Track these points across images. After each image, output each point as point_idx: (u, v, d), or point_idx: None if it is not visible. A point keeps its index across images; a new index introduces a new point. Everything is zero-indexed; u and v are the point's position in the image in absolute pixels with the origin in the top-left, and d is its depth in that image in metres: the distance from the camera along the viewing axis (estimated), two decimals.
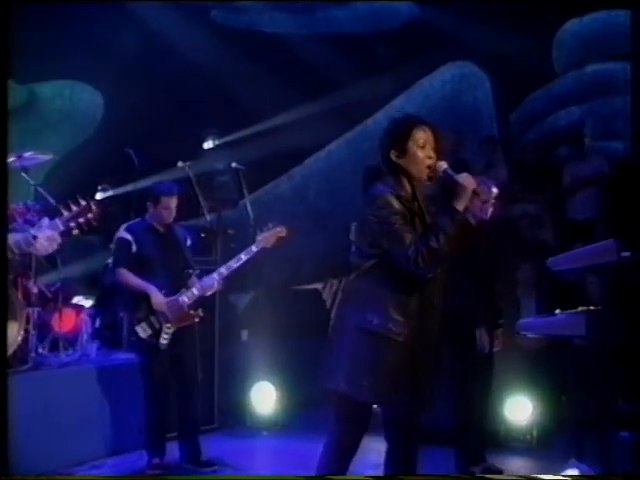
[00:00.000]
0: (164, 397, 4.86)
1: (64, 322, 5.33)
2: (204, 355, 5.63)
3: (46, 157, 5.50)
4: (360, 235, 3.15)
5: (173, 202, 4.90)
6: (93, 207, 3.11)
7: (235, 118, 8.33)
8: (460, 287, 4.47)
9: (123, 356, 5.35)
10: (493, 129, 9.11)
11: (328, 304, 7.70)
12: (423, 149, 3.09)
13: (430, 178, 3.10)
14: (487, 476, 4.32)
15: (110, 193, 8.00)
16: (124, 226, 4.91)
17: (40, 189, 5.34)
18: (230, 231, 6.97)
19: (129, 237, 4.84)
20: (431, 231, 3.01)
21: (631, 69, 7.16)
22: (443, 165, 3.08)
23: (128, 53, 8.23)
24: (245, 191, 6.70)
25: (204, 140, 8.23)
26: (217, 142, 8.28)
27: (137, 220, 4.98)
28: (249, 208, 6.62)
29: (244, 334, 6.70)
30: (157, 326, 4.76)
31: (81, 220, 3.06)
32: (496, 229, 5.57)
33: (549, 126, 9.04)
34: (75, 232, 3.15)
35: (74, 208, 3.07)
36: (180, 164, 6.32)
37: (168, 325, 4.78)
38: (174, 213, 4.93)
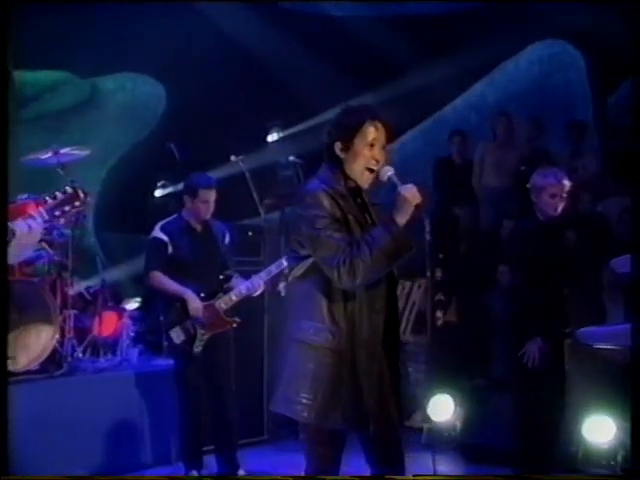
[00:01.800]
0: (200, 406, 4.84)
1: (104, 326, 5.41)
2: (251, 361, 5.69)
3: (83, 153, 5.58)
4: (292, 235, 3.00)
5: (212, 195, 4.86)
6: (81, 195, 3.09)
7: (301, 108, 8.27)
8: (518, 292, 4.38)
9: (165, 362, 5.33)
10: (588, 114, 8.64)
11: (399, 307, 7.60)
12: (371, 148, 2.95)
13: (370, 182, 2.96)
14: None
15: (170, 190, 8.23)
16: (159, 225, 4.89)
17: (77, 187, 5.42)
18: None
19: (165, 238, 4.81)
20: (364, 242, 2.84)
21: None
22: (389, 171, 2.93)
23: (191, 44, 8.31)
24: None
25: (268, 132, 8.32)
26: (281, 134, 8.33)
27: (172, 218, 4.94)
28: None
29: None
30: (192, 332, 4.75)
31: (67, 208, 3.04)
32: (572, 226, 5.28)
33: None
34: (61, 221, 3.15)
35: (59, 196, 3.06)
36: (233, 158, 6.28)
37: (202, 331, 4.77)
38: (212, 208, 4.89)
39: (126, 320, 5.58)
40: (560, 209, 4.40)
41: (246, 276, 5.06)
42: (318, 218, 2.86)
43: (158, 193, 8.25)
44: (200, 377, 4.82)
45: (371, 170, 2.93)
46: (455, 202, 7.36)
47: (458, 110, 8.97)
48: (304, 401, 2.86)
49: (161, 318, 4.86)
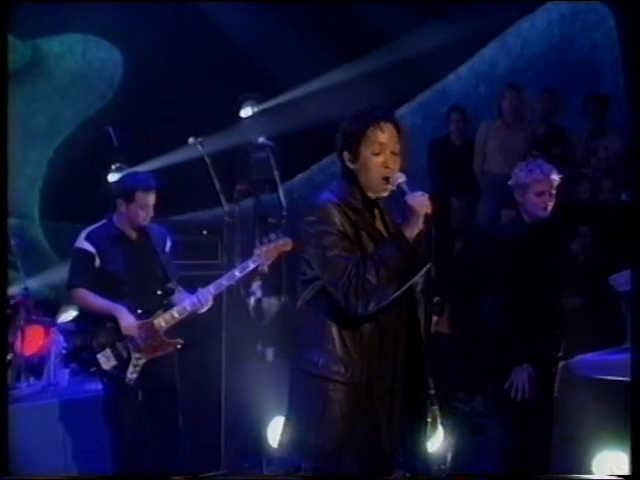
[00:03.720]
0: (138, 442, 4.71)
1: (27, 343, 5.27)
2: (206, 385, 5.55)
3: None
4: (301, 254, 3.06)
5: (152, 199, 4.75)
6: None
7: (279, 79, 8.10)
8: (501, 310, 4.27)
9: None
10: (617, 84, 8.38)
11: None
12: (378, 155, 2.98)
13: (387, 191, 3.01)
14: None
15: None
16: (84, 233, 4.74)
17: None
18: (271, 219, 6.83)
19: (91, 249, 4.69)
20: (371, 261, 2.87)
21: None
22: (399, 178, 2.97)
23: (152, 3, 8.03)
24: (276, 173, 6.48)
25: (241, 107, 8.07)
26: (256, 109, 8.13)
27: (101, 224, 4.83)
28: (281, 194, 6.44)
29: (269, 353, 6.48)
30: (124, 355, 4.63)
31: None
32: (589, 219, 5.04)
33: None
34: None
35: None
36: (191, 141, 6.05)
37: (138, 355, 4.65)
38: (152, 212, 4.78)
39: (55, 335, 5.41)
40: (549, 209, 4.32)
41: (202, 283, 4.92)
42: (326, 235, 2.91)
43: (113, 177, 8.03)
44: (137, 408, 4.70)
45: (386, 178, 2.97)
46: (452, 191, 7.19)
47: (463, 80, 8.70)
48: (313, 441, 2.91)
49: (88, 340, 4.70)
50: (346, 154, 3.01)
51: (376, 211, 3.05)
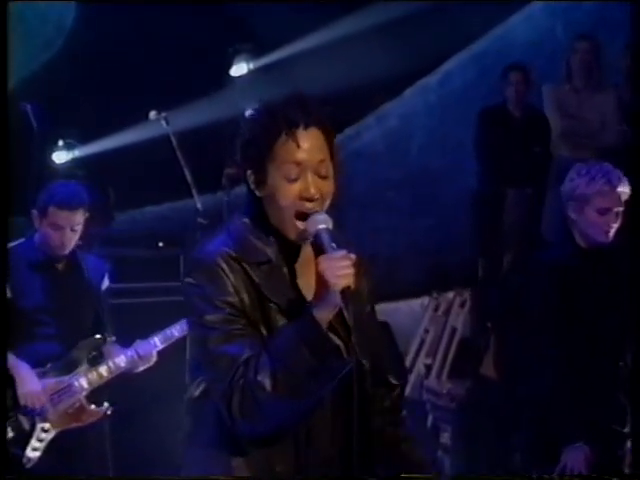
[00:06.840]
0: None
1: None
2: (159, 457, 5.36)
3: None
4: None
5: (70, 220, 4.67)
6: None
7: (279, 30, 8.13)
8: (541, 362, 4.24)
9: None
10: None
11: (429, 335, 7.30)
12: (294, 181, 2.55)
13: (303, 235, 2.56)
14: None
15: (77, 153, 8.01)
16: None
17: None
18: None
19: None
20: (267, 356, 2.45)
21: None
22: (319, 223, 2.52)
23: None
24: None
25: (231, 63, 8.03)
26: (252, 66, 8.04)
27: (17, 243, 4.83)
28: None
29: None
30: (25, 427, 4.56)
31: None
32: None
33: None
34: None
35: None
36: (153, 115, 6.12)
37: (45, 426, 4.59)
38: (77, 237, 4.74)
39: None
40: (613, 232, 4.27)
41: (156, 312, 5.08)
42: (208, 310, 2.52)
43: (59, 157, 8.02)
44: None
45: (302, 216, 2.56)
46: (507, 179, 7.02)
47: (534, 20, 8.54)
48: None
49: None
50: (250, 174, 2.57)
51: (303, 263, 2.62)
